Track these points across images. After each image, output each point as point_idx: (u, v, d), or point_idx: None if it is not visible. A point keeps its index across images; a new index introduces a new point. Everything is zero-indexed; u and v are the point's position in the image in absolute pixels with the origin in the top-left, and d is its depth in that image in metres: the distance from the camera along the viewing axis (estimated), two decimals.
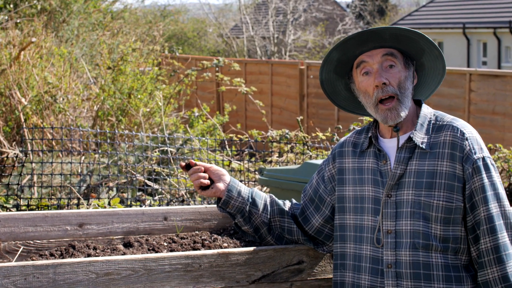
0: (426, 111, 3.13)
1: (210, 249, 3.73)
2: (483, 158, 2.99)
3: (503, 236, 2.96)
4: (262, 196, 3.34)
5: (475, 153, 2.98)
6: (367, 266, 3.08)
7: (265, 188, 6.79)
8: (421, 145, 3.02)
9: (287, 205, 3.38)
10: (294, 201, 3.43)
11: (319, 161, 4.73)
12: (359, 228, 3.12)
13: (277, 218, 3.33)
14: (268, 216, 3.31)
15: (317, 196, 3.30)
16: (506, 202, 3.01)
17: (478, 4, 31.64)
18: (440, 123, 3.07)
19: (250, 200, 3.29)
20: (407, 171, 3.03)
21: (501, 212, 2.97)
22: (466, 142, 2.99)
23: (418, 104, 3.17)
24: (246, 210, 3.29)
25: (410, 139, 3.05)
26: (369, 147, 3.17)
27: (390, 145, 3.11)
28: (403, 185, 3.03)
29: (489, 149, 7.59)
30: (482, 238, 2.96)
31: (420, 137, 3.04)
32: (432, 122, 3.09)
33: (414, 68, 3.14)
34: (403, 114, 3.04)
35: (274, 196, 3.40)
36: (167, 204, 6.70)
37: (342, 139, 3.35)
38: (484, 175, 2.97)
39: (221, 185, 3.27)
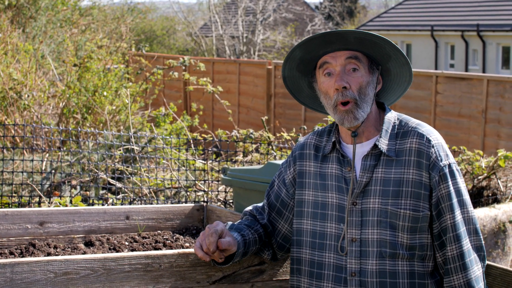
0: (390, 115, 3.08)
1: (172, 249, 3.71)
2: (449, 165, 2.98)
3: (467, 242, 2.96)
4: (251, 242, 3.16)
5: (441, 160, 2.96)
6: (330, 273, 3.04)
7: (228, 188, 6.78)
8: (386, 152, 2.99)
9: (257, 221, 3.26)
10: (257, 206, 3.33)
11: (282, 161, 4.72)
12: (321, 235, 3.07)
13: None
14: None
15: (279, 201, 3.24)
16: (470, 208, 3.01)
17: (447, 7, 31.87)
18: (405, 128, 3.03)
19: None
20: (373, 179, 2.99)
21: (465, 218, 2.98)
22: (433, 149, 2.96)
23: (382, 107, 3.13)
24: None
25: (375, 146, 3.01)
26: (331, 152, 3.11)
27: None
28: (369, 193, 2.99)
29: (453, 152, 7.64)
30: (449, 245, 2.95)
31: (385, 143, 3.01)
32: (397, 127, 3.05)
33: (379, 73, 3.08)
34: (360, 118, 2.99)
35: (250, 229, 3.21)
36: (130, 203, 6.66)
37: (302, 140, 3.28)
38: (450, 182, 2.96)
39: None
